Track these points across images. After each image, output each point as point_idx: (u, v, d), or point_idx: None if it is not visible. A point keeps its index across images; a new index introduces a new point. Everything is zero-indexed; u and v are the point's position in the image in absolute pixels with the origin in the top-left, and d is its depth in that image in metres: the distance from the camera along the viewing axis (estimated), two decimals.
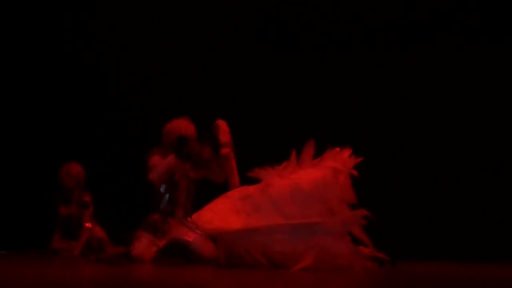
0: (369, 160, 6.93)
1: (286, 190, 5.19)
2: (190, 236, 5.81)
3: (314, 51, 7.70)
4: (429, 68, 7.58)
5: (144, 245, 5.95)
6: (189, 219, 5.88)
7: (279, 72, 7.71)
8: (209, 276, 4.47)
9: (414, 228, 7.26)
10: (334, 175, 5.17)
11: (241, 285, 3.85)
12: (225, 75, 7.77)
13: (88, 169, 7.02)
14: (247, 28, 7.77)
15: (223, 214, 5.28)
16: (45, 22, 7.96)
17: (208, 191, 6.00)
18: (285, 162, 5.37)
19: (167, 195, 6.14)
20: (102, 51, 7.94)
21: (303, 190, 5.14)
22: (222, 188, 5.82)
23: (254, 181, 5.43)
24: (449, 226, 7.28)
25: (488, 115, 7.45)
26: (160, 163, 6.07)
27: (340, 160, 5.28)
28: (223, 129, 6.01)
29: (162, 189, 6.14)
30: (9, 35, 7.91)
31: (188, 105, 7.58)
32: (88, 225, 6.82)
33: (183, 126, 6.11)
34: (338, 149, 5.34)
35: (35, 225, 7.46)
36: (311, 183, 5.17)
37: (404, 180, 7.43)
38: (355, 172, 5.29)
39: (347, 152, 5.31)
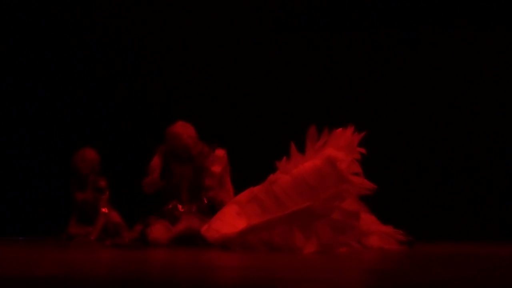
0: (382, 139, 6.98)
1: (290, 185, 5.22)
2: (202, 226, 5.86)
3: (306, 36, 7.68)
4: (423, 49, 7.55)
5: (159, 230, 6.00)
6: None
7: (269, 60, 7.70)
8: (224, 260, 4.49)
9: (431, 209, 7.25)
10: (331, 164, 5.16)
11: (256, 268, 3.86)
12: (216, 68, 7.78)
13: (104, 153, 7.04)
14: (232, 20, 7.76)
15: (231, 220, 5.33)
16: (61, 7, 7.96)
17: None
18: (286, 157, 5.39)
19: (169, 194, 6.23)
20: (115, 36, 7.94)
21: (307, 183, 5.15)
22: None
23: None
24: (465, 206, 7.26)
25: (498, 90, 7.40)
26: (150, 167, 6.21)
27: (345, 141, 5.27)
28: (211, 172, 6.08)
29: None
30: (27, 18, 7.93)
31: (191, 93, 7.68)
32: (104, 210, 6.84)
33: (178, 130, 6.13)
34: (340, 129, 5.34)
35: (51, 211, 7.50)
36: (312, 174, 5.18)
37: (421, 162, 7.40)
38: (363, 150, 5.29)
39: (349, 130, 5.30)
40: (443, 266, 3.95)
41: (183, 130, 6.13)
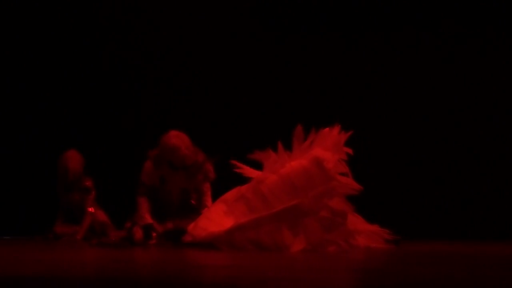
0: (368, 138, 6.99)
1: (277, 185, 5.23)
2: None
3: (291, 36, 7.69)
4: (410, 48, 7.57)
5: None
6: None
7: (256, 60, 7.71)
8: (212, 259, 4.48)
9: (418, 208, 7.27)
10: (317, 164, 5.17)
11: (244, 267, 3.86)
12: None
13: (91, 153, 7.02)
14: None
15: (218, 218, 5.33)
16: (43, 9, 7.93)
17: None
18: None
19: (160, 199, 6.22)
20: (98, 38, 7.94)
21: (293, 183, 5.17)
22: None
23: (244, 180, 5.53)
24: (452, 205, 7.28)
25: (488, 91, 7.42)
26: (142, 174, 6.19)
27: (331, 140, 5.29)
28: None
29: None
30: (7, 19, 7.89)
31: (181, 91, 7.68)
32: (90, 209, 6.82)
33: (175, 142, 6.03)
34: (327, 129, 5.36)
35: (38, 210, 7.47)
36: (299, 174, 5.19)
37: (407, 161, 7.42)
38: (349, 150, 5.31)
39: (336, 130, 5.32)
40: (429, 264, 3.97)
41: (180, 142, 5.99)
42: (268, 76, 7.64)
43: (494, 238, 6.78)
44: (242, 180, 5.56)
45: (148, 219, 6.04)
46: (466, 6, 7.39)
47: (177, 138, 6.02)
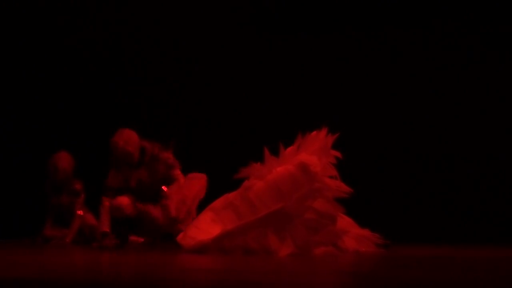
0: (358, 142, 7.01)
1: (264, 191, 5.24)
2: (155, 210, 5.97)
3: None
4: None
5: (125, 199, 6.04)
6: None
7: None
8: (200, 263, 4.48)
9: (407, 211, 7.28)
10: (303, 169, 5.19)
11: (232, 271, 3.85)
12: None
13: (80, 156, 7.00)
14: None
15: (207, 227, 5.34)
16: (37, 10, 7.92)
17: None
18: (260, 163, 5.42)
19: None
20: (84, 38, 7.93)
21: (280, 189, 5.18)
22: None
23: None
24: (442, 209, 7.29)
25: (482, 91, 7.43)
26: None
27: (318, 143, 5.30)
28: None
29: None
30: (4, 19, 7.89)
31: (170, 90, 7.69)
32: (80, 212, 6.81)
33: (115, 139, 6.09)
34: (314, 132, 5.37)
35: (26, 213, 7.45)
36: (286, 180, 5.20)
37: (398, 163, 7.43)
38: (338, 154, 5.32)
39: (323, 133, 5.33)
40: (419, 268, 3.97)
41: (120, 137, 6.07)
42: (257, 79, 7.64)
43: (482, 242, 6.79)
44: (230, 186, 5.57)
45: (105, 226, 6.05)
46: (454, 6, 7.41)
47: (118, 135, 6.08)
